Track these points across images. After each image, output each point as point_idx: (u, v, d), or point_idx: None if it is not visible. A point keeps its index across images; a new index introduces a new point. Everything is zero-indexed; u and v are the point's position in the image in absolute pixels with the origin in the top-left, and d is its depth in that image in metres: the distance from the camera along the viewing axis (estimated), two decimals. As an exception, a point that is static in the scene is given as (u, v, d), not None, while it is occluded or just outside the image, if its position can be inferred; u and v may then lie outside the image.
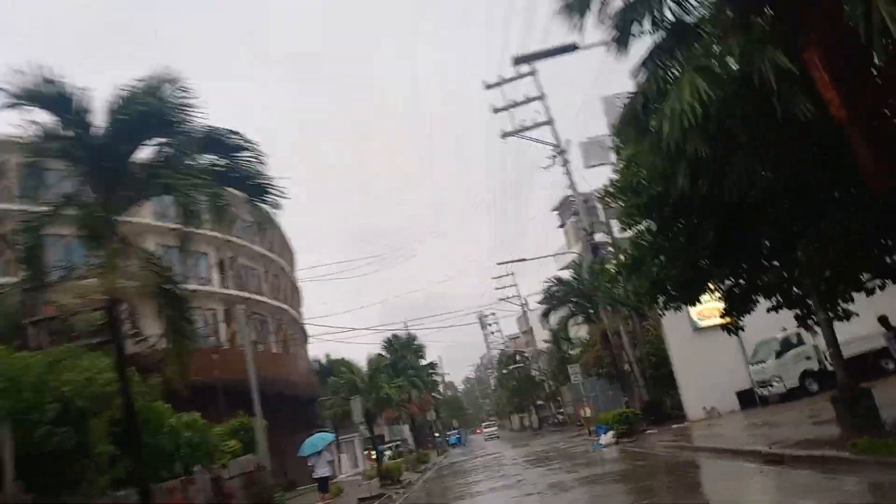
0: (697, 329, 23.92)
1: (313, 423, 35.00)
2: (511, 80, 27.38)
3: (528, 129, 27.43)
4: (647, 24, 9.32)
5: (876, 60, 7.31)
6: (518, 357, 63.04)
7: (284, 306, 40.24)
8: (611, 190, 13.07)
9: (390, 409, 38.94)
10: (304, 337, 42.95)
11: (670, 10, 9.28)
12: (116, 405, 10.74)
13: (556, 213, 47.61)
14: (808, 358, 21.30)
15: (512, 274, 62.09)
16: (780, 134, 8.13)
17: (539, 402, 62.70)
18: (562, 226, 48.14)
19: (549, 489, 13.69)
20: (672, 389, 25.92)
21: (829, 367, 17.10)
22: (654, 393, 27.29)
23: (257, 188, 11.52)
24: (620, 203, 12.64)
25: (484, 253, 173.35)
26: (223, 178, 11.42)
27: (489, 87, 27.38)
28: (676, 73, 8.93)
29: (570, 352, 38.96)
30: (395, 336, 46.51)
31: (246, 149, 11.38)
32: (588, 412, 32.98)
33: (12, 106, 10.25)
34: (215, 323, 32.87)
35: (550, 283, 32.38)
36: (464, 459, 37.81)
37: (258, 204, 11.70)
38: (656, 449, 18.01)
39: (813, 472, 9.15)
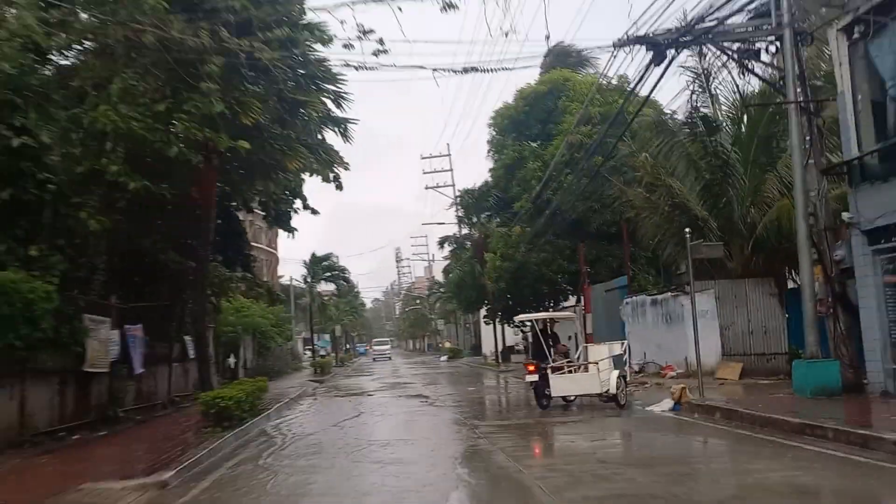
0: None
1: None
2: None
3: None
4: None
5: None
6: (418, 300, 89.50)
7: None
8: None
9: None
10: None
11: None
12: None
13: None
14: None
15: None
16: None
17: (428, 334, 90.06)
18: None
19: (409, 368, 39.75)
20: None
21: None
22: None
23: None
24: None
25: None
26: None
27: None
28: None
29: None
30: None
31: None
32: (447, 344, 60.04)
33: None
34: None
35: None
36: (368, 361, 64.51)
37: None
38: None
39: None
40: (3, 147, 12.24)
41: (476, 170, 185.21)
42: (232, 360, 29.02)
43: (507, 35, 42.18)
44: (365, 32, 11.99)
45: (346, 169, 16.57)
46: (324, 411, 18.58)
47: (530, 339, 17.35)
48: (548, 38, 57.32)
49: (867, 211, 11.76)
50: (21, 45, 11.53)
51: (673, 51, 13.20)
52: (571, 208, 28.79)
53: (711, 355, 20.09)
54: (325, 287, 60.15)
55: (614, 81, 25.98)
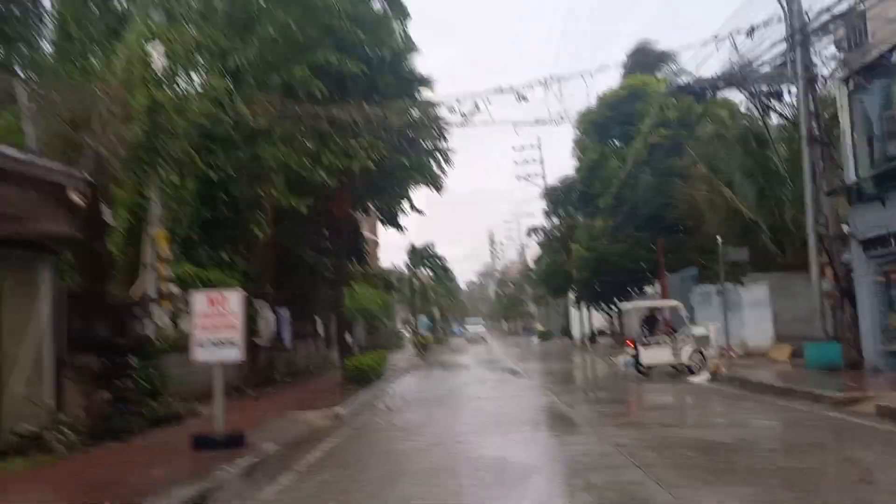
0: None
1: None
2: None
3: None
4: None
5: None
6: (511, 284, 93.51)
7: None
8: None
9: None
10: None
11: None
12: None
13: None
14: None
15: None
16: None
17: (520, 316, 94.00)
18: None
19: (502, 348, 43.89)
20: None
21: None
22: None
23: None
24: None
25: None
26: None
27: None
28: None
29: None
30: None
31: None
32: (539, 326, 63.78)
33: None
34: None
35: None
36: (463, 341, 69.20)
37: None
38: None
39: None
40: (205, 179, 17.06)
41: (563, 154, 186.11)
42: (349, 337, 34.02)
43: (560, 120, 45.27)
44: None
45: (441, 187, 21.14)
46: (430, 378, 23.04)
47: (641, 320, 21.36)
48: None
49: (862, 225, 14.89)
50: (212, 103, 16.25)
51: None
52: (648, 204, 31.92)
53: (765, 338, 23.26)
54: (424, 272, 65.42)
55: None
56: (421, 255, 55.84)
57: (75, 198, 9.84)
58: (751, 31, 14.64)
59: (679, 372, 18.69)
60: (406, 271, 59.70)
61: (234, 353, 9.06)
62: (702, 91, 16.31)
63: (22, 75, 17.78)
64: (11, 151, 8.78)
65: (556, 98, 32.73)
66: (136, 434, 10.40)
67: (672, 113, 31.57)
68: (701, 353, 18.65)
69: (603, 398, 15.36)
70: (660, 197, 31.72)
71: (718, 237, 18.16)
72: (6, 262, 8.82)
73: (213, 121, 16.71)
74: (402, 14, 20.07)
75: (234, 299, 9.10)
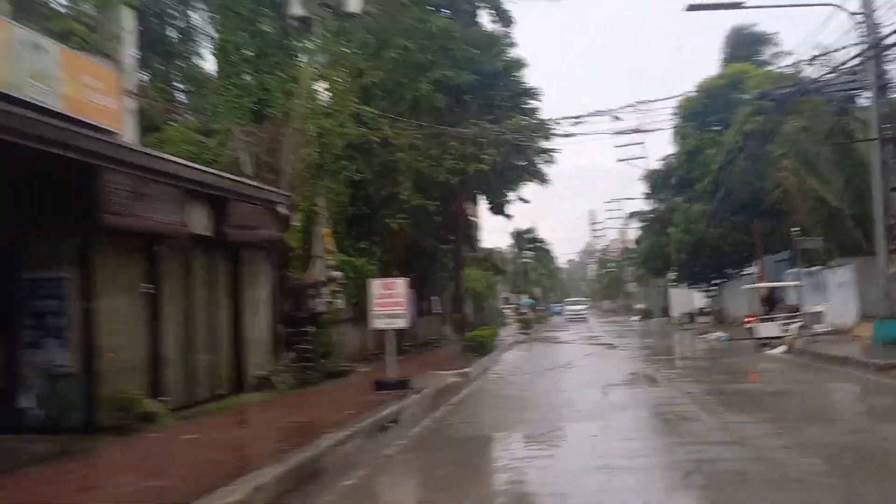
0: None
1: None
2: None
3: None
4: None
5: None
6: (612, 264, 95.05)
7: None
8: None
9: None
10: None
11: None
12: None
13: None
14: None
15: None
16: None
17: (621, 295, 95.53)
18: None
19: (601, 326, 46.48)
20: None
21: None
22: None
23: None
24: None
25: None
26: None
27: None
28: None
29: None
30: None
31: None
32: (639, 305, 65.62)
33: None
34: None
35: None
36: (562, 321, 71.87)
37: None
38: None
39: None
40: (349, 182, 20.83)
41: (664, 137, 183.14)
42: (468, 313, 37.74)
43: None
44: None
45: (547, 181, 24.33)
46: (534, 350, 26.30)
47: (761, 298, 24.78)
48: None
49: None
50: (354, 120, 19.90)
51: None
52: (744, 189, 33.69)
53: (850, 317, 25.13)
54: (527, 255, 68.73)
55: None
56: (524, 239, 59.03)
57: (282, 210, 13.71)
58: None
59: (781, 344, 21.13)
60: (508, 252, 63.25)
61: (401, 323, 12.59)
62: (781, 99, 18.51)
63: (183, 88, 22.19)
64: (248, 181, 12.63)
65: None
66: (316, 385, 14.20)
67: (767, 102, 33.18)
68: (805, 328, 21.12)
69: (686, 365, 18.12)
70: (755, 182, 33.41)
71: (796, 228, 20.31)
72: (245, 258, 12.67)
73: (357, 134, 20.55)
74: (509, 34, 23.33)
75: (399, 285, 12.60)
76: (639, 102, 19.50)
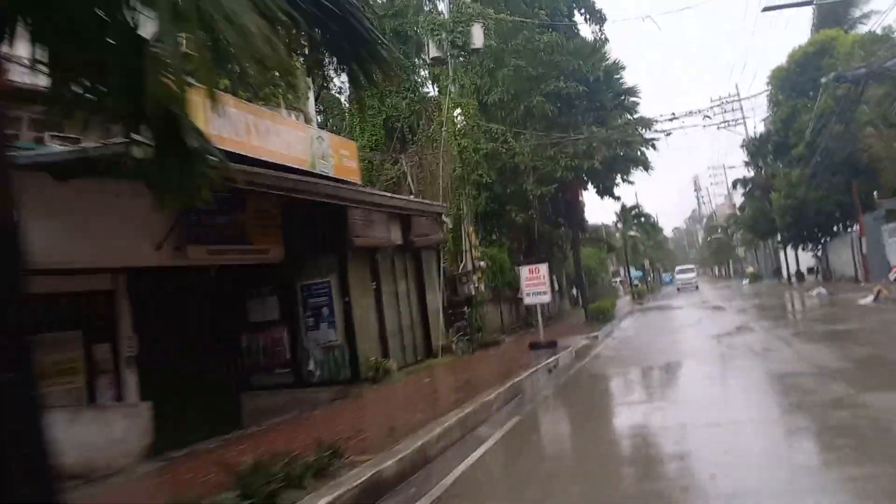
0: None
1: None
2: None
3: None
4: None
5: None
6: (719, 230, 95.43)
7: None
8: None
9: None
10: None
11: None
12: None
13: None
14: None
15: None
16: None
17: (731, 260, 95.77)
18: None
19: (711, 291, 48.80)
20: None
21: None
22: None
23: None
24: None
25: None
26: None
27: None
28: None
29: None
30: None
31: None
32: (750, 269, 66.79)
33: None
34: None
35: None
36: (673, 290, 73.80)
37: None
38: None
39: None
40: (480, 185, 24.85)
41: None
42: (575, 290, 41.23)
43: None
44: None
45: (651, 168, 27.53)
46: (648, 317, 29.63)
47: None
48: None
49: None
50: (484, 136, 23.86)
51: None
52: (839, 152, 35.45)
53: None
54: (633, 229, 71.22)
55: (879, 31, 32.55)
56: (630, 215, 61.59)
57: (445, 219, 17.90)
58: None
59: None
60: (615, 228, 65.91)
61: (546, 298, 16.52)
62: (855, 80, 21.02)
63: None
64: (423, 201, 16.90)
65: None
66: (483, 350, 18.34)
67: (857, 64, 34.75)
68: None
69: (783, 316, 21.09)
70: (850, 144, 35.07)
71: (875, 192, 22.71)
72: (423, 257, 16.94)
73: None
74: (604, 36, 26.72)
75: (543, 268, 16.52)
76: (727, 97, 22.02)
